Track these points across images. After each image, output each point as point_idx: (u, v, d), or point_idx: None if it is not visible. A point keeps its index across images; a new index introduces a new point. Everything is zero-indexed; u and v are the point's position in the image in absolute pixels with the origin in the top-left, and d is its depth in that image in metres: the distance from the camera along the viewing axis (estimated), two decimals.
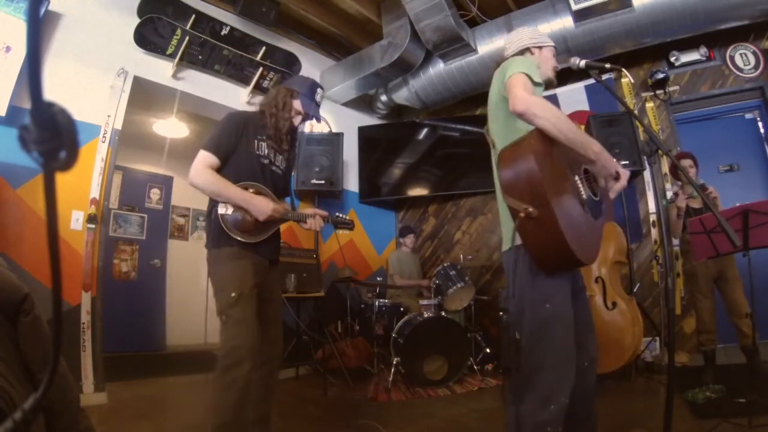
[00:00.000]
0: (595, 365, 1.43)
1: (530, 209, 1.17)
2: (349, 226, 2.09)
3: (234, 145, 1.76)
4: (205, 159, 1.68)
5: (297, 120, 1.91)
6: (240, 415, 1.52)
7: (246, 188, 1.74)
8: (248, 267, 1.68)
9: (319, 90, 1.94)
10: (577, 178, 1.33)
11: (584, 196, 1.32)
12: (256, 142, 1.82)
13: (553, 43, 1.62)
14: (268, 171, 1.85)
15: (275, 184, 1.89)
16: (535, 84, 1.34)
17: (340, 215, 2.07)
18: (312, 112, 1.90)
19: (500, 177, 1.31)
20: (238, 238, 1.69)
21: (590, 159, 1.30)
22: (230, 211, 1.71)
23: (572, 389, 1.29)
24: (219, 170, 1.73)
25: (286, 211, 1.84)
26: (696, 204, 2.99)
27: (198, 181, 1.68)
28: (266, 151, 1.86)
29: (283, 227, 1.98)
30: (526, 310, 1.34)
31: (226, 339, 1.58)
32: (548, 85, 1.57)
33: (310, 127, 4.48)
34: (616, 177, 1.33)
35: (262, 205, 1.70)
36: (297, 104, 1.88)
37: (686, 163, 3.04)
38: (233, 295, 1.59)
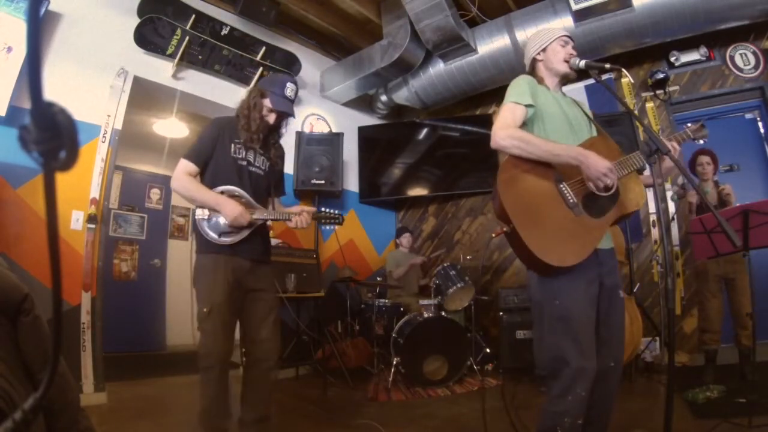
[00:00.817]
0: (620, 367, 1.46)
1: (505, 228, 1.40)
2: (336, 220, 2.05)
3: (210, 151, 1.84)
4: (183, 166, 1.80)
5: (271, 118, 1.90)
6: (215, 404, 1.71)
7: (221, 192, 1.80)
8: (221, 279, 1.74)
9: (289, 85, 1.89)
10: (564, 185, 1.41)
11: (572, 200, 1.39)
12: (233, 145, 1.86)
13: (557, 35, 1.59)
14: (246, 173, 1.88)
15: (257, 186, 1.91)
16: (527, 106, 1.46)
17: (326, 210, 2.04)
18: (282, 108, 1.88)
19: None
20: (215, 241, 1.77)
21: (573, 165, 1.38)
22: (206, 215, 1.79)
23: (594, 388, 1.36)
24: (201, 176, 1.84)
25: (263, 211, 1.86)
26: (710, 200, 2.98)
27: (176, 186, 1.80)
28: (243, 153, 1.89)
29: (281, 228, 1.98)
30: (541, 309, 1.45)
31: (199, 346, 1.74)
32: (565, 79, 1.59)
33: (310, 126, 4.48)
34: (602, 178, 1.35)
35: (230, 208, 1.75)
36: (267, 102, 1.88)
37: (704, 159, 3.04)
38: (205, 310, 1.71)
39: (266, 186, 1.98)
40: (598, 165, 1.34)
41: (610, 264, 1.50)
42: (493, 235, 1.45)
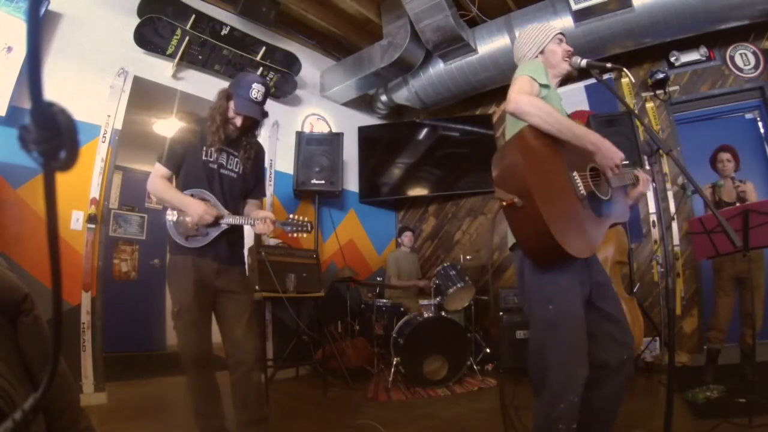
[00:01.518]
0: (632, 360, 1.44)
1: (515, 199, 1.22)
2: (304, 228, 1.99)
3: (182, 155, 1.85)
4: (156, 170, 1.84)
5: (237, 121, 1.85)
6: (203, 404, 1.76)
7: (192, 195, 1.82)
8: (187, 279, 1.76)
9: (255, 86, 1.82)
10: (576, 174, 1.36)
11: (582, 192, 1.34)
12: (205, 148, 1.86)
13: (550, 35, 1.58)
14: (217, 175, 1.87)
15: (230, 188, 1.91)
16: (542, 86, 1.39)
17: (294, 217, 1.98)
18: (245, 112, 1.83)
19: (492, 170, 1.36)
20: (182, 243, 1.80)
21: (590, 150, 1.34)
22: (176, 217, 1.81)
23: (608, 381, 1.36)
24: (176, 179, 1.87)
25: (227, 215, 1.84)
26: (727, 197, 2.97)
27: (149, 188, 1.86)
28: (215, 156, 1.88)
29: (280, 228, 1.97)
30: (532, 311, 1.41)
31: (177, 347, 1.80)
32: (568, 76, 1.59)
33: (310, 126, 4.48)
34: (615, 168, 1.36)
35: (194, 207, 1.77)
36: (232, 105, 1.85)
37: (725, 156, 3.03)
38: (175, 309, 1.75)
39: (240, 189, 1.96)
40: (614, 154, 1.34)
41: (596, 263, 1.51)
42: (504, 203, 1.24)
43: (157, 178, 1.83)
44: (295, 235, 2.08)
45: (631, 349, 1.43)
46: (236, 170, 1.93)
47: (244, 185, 1.97)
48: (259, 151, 2.04)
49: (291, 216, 1.99)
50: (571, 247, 1.22)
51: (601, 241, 1.39)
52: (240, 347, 1.79)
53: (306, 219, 2.00)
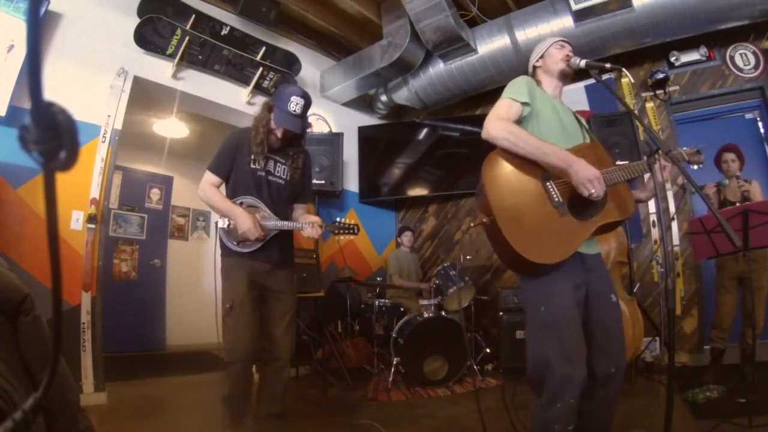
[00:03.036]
0: (621, 373, 1.41)
1: (485, 219, 1.39)
2: (351, 231, 2.07)
3: (230, 162, 1.94)
4: (207, 178, 1.94)
5: (279, 133, 1.92)
6: (235, 392, 1.83)
7: (241, 203, 1.90)
8: (241, 278, 1.85)
9: (293, 98, 1.87)
10: (551, 183, 1.41)
11: (557, 199, 1.39)
12: (253, 156, 1.93)
13: (552, 41, 1.63)
14: (265, 183, 1.95)
15: (278, 194, 1.98)
16: (523, 104, 1.46)
17: (341, 220, 2.06)
18: (284, 125, 1.88)
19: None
20: (234, 248, 1.88)
21: (559, 169, 1.37)
22: (227, 224, 1.90)
23: (595, 395, 1.35)
24: (226, 185, 1.97)
25: (275, 221, 1.92)
26: (732, 197, 2.96)
27: (200, 196, 1.96)
28: (263, 164, 1.95)
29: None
30: (527, 313, 1.44)
31: (224, 341, 1.85)
32: (565, 77, 1.61)
33: (310, 127, 4.48)
34: (589, 184, 1.32)
35: (242, 221, 1.84)
36: (272, 117, 1.92)
37: (729, 156, 3.02)
38: (227, 306, 1.83)
39: (288, 195, 2.04)
40: (586, 172, 1.32)
41: (600, 269, 1.49)
42: (471, 224, 1.45)
43: (208, 186, 1.93)
44: (341, 238, 2.16)
45: (622, 362, 1.41)
46: (284, 177, 2.01)
47: (292, 191, 2.05)
48: (306, 159, 2.11)
49: (338, 219, 2.08)
50: (535, 256, 1.30)
51: (578, 244, 1.38)
52: (278, 344, 1.91)
53: (352, 222, 2.07)
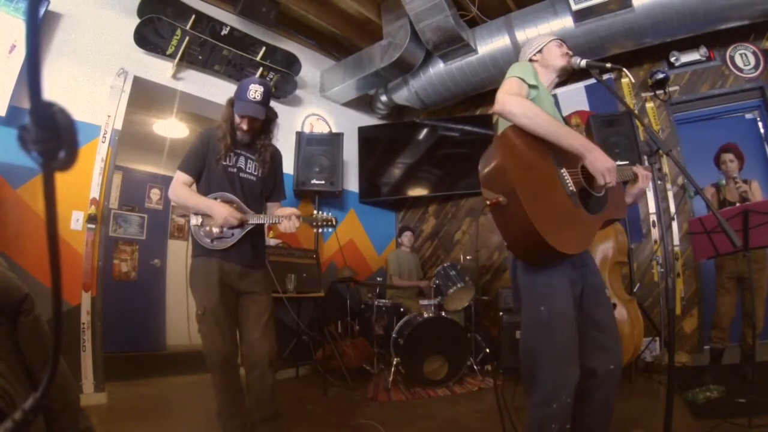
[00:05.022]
0: (619, 371, 1.39)
1: (500, 198, 1.24)
2: (329, 223, 2.02)
3: (201, 161, 1.91)
4: (178, 177, 1.90)
5: (244, 125, 1.90)
6: (227, 404, 1.79)
7: (216, 198, 1.87)
8: (212, 282, 1.80)
9: (252, 86, 1.85)
10: (564, 171, 1.34)
11: (572, 188, 1.33)
12: (223, 153, 1.90)
13: (550, 38, 1.62)
14: (237, 179, 1.93)
15: (251, 191, 1.96)
16: (530, 86, 1.40)
17: (319, 213, 2.02)
18: (245, 113, 1.86)
19: (479, 171, 1.36)
20: (207, 246, 1.84)
21: (577, 152, 1.31)
22: (200, 222, 1.86)
23: (594, 394, 1.34)
24: (197, 185, 1.92)
25: (251, 215, 1.89)
26: (731, 197, 2.97)
27: (171, 196, 1.92)
28: (234, 161, 1.93)
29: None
30: (524, 312, 1.41)
31: (203, 350, 1.80)
32: (566, 74, 1.58)
33: (310, 127, 4.48)
34: (607, 173, 1.30)
35: (219, 210, 1.81)
36: (235, 110, 1.90)
37: (727, 157, 3.03)
38: (200, 312, 1.79)
39: (260, 191, 2.01)
40: (606, 161, 1.28)
41: (593, 265, 1.48)
42: (488, 202, 1.27)
43: (179, 185, 1.89)
44: (320, 230, 2.10)
45: (619, 359, 1.40)
46: (255, 173, 1.99)
47: (264, 188, 2.03)
48: (275, 154, 2.09)
49: (315, 212, 2.05)
50: (559, 244, 1.20)
51: (593, 238, 1.37)
52: (256, 350, 1.84)
53: (330, 214, 2.04)
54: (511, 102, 1.32)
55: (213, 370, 1.77)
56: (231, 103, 1.93)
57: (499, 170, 1.27)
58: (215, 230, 1.84)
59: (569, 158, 1.36)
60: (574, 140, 1.30)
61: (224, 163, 1.90)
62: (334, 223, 2.03)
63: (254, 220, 1.88)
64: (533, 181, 1.27)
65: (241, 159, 1.95)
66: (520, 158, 1.30)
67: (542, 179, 1.30)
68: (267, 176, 2.03)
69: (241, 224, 1.85)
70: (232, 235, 1.86)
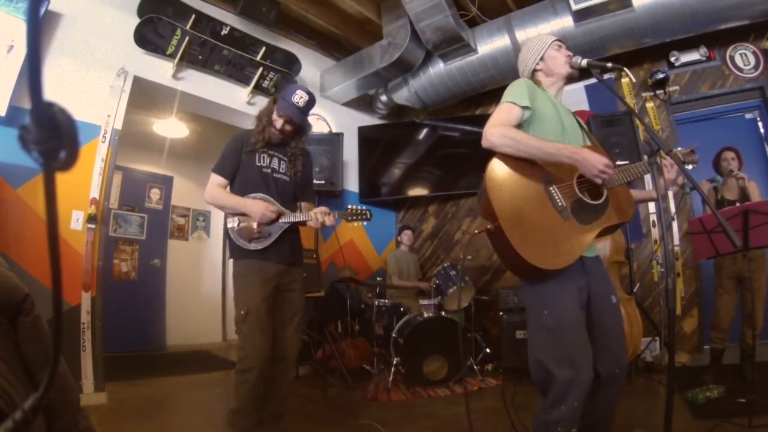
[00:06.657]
0: (623, 374, 1.41)
1: (489, 225, 1.40)
2: (363, 216, 2.04)
3: (236, 163, 1.96)
4: (212, 180, 1.95)
5: (278, 123, 1.95)
6: (249, 404, 1.78)
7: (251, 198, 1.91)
8: (255, 282, 1.83)
9: (298, 92, 1.93)
10: (554, 187, 1.39)
11: (561, 204, 1.37)
12: (257, 155, 1.96)
13: (548, 42, 1.60)
14: (271, 179, 1.97)
15: (284, 191, 2.00)
16: (523, 108, 1.44)
17: (353, 207, 2.05)
18: (286, 112, 1.92)
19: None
20: (246, 247, 1.87)
21: (569, 164, 1.36)
22: (237, 224, 1.91)
23: (598, 395, 1.35)
24: (231, 187, 1.97)
25: (285, 212, 1.93)
26: (730, 195, 2.97)
27: (207, 198, 1.96)
28: (268, 161, 1.98)
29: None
30: (529, 317, 1.43)
31: (238, 348, 1.83)
32: (570, 79, 1.59)
33: (310, 128, 4.48)
34: (602, 174, 1.32)
35: (255, 208, 1.86)
36: (276, 108, 1.96)
37: (729, 155, 3.05)
38: (242, 312, 1.81)
39: (293, 192, 2.06)
40: (595, 161, 1.31)
41: (599, 271, 1.49)
42: (476, 231, 1.44)
43: (214, 187, 1.94)
44: (355, 224, 2.17)
45: (624, 364, 1.42)
46: (288, 174, 2.03)
47: (296, 188, 2.07)
48: (307, 157, 2.14)
49: (349, 207, 2.07)
50: (541, 261, 1.29)
51: (584, 247, 1.38)
52: (286, 345, 1.91)
53: (363, 208, 2.06)
54: (492, 134, 1.42)
55: (249, 370, 1.76)
56: (274, 100, 1.99)
57: (486, 201, 1.39)
58: (254, 226, 1.87)
59: (563, 174, 1.41)
60: (561, 154, 1.35)
61: (258, 163, 1.95)
62: (369, 216, 2.06)
63: (289, 218, 1.93)
64: (517, 208, 1.37)
65: (275, 160, 2.00)
66: (505, 187, 1.40)
67: (529, 202, 1.38)
68: (299, 178, 2.08)
69: (278, 217, 1.90)
70: (270, 234, 1.90)
